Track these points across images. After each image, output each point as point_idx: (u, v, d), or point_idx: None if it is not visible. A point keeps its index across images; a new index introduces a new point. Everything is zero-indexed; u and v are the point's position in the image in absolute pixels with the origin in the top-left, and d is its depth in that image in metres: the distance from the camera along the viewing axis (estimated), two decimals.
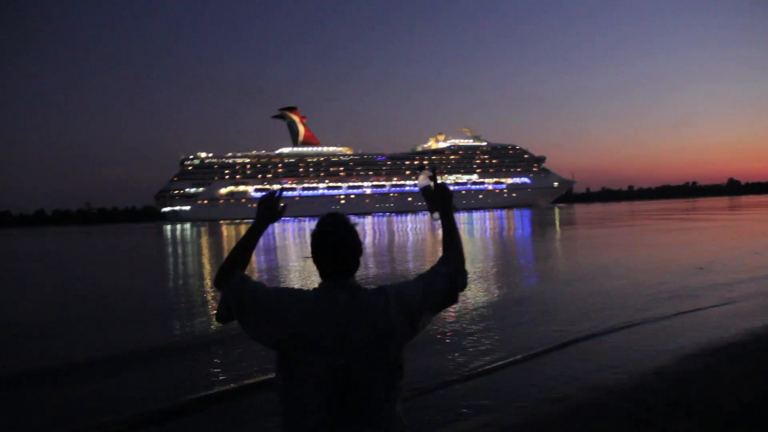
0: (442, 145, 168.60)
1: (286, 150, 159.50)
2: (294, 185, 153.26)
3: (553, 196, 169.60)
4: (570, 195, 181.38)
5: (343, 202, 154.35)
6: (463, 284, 2.30)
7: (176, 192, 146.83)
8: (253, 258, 25.09)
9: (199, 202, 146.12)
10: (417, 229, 51.51)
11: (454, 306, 10.63)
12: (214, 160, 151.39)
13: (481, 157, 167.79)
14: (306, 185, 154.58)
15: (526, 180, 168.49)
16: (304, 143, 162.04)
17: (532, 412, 6.14)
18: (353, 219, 2.20)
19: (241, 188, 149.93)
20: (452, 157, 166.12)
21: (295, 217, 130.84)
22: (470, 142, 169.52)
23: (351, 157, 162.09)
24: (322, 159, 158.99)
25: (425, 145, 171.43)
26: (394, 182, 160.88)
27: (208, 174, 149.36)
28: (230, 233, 62.88)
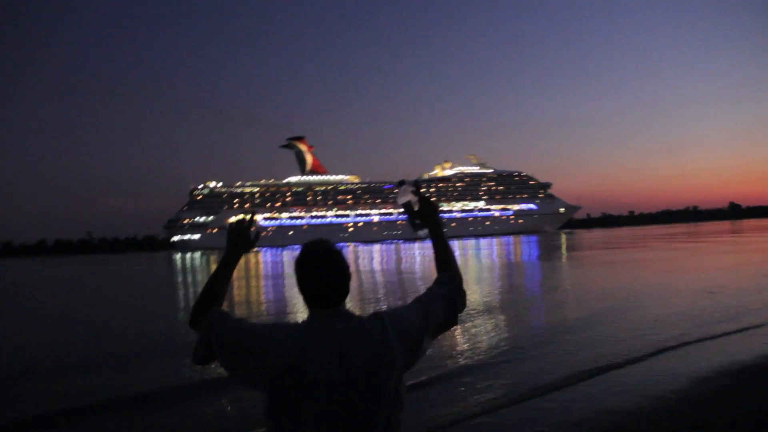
0: (448, 172, 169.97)
1: (294, 179, 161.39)
2: (302, 214, 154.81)
3: (559, 221, 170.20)
4: (570, 221, 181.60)
5: (351, 230, 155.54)
6: (462, 305, 2.23)
7: (186, 221, 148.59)
8: (260, 287, 26.30)
9: (209, 231, 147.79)
10: (425, 255, 52.59)
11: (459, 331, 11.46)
12: (224, 189, 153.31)
13: (487, 184, 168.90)
14: (314, 214, 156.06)
15: (532, 206, 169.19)
16: (312, 172, 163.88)
17: None
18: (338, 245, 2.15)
19: None
20: (458, 184, 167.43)
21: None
22: (476, 170, 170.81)
23: (358, 185, 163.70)
24: (329, 187, 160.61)
25: (431, 173, 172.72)
26: (401, 210, 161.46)
27: (217, 203, 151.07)
28: (240, 261, 63.52)
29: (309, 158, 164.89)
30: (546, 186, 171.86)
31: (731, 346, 10.15)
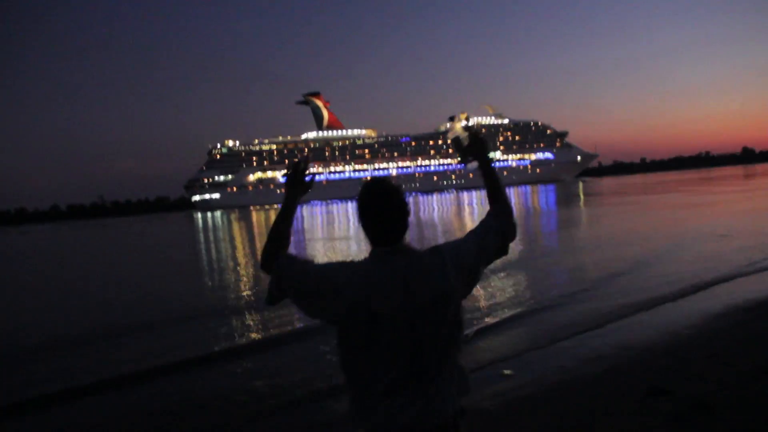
0: (464, 124, 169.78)
1: (311, 135, 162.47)
2: (321, 169, 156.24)
3: (576, 170, 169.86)
4: (585, 169, 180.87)
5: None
6: (512, 235, 2.31)
7: (206, 180, 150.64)
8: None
9: (229, 189, 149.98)
10: (443, 208, 53.65)
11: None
12: (242, 148, 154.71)
13: (504, 134, 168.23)
14: (332, 169, 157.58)
15: (549, 155, 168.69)
16: (329, 127, 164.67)
17: (572, 372, 6.56)
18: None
19: (270, 174, 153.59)
20: None
21: (323, 200, 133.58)
22: (493, 120, 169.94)
23: (375, 139, 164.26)
24: (347, 142, 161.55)
25: (448, 125, 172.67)
26: (419, 163, 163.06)
27: (236, 162, 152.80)
28: (260, 219, 65.22)
29: (325, 114, 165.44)
30: (563, 135, 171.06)
31: (744, 286, 10.57)
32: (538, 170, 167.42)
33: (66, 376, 8.54)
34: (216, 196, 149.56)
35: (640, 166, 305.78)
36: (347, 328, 2.04)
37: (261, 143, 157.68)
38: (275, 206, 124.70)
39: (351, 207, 70.19)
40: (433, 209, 50.91)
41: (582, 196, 59.95)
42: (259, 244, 28.59)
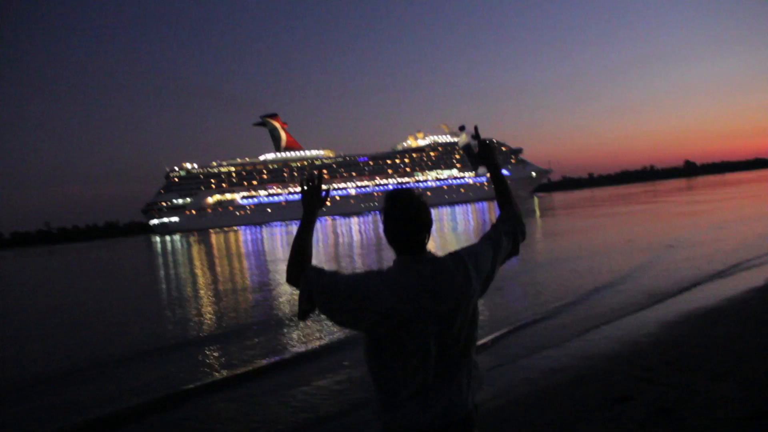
0: (421, 142, 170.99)
1: (269, 156, 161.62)
2: (280, 190, 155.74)
3: (531, 186, 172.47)
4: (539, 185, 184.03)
5: (328, 203, 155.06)
6: (523, 236, 2.46)
7: (164, 204, 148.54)
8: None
9: (188, 212, 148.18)
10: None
11: None
12: (200, 170, 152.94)
13: (460, 152, 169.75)
14: (291, 190, 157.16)
15: (505, 172, 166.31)
16: (287, 148, 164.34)
17: (538, 383, 6.72)
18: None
19: (228, 196, 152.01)
20: (432, 153, 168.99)
21: (282, 221, 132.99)
22: (449, 138, 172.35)
23: (334, 159, 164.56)
24: (305, 163, 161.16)
25: (405, 144, 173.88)
26: (377, 182, 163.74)
27: (194, 184, 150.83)
28: (219, 241, 64.29)
29: (283, 135, 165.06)
30: (517, 151, 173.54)
31: (695, 292, 11.05)
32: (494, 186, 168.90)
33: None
34: (175, 219, 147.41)
35: (588, 181, 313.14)
36: (378, 335, 2.11)
37: (219, 165, 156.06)
38: (234, 228, 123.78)
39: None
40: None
41: (537, 211, 60.80)
42: (230, 265, 28.54)
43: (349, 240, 39.53)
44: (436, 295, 2.11)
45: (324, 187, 2.46)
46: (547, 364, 7.42)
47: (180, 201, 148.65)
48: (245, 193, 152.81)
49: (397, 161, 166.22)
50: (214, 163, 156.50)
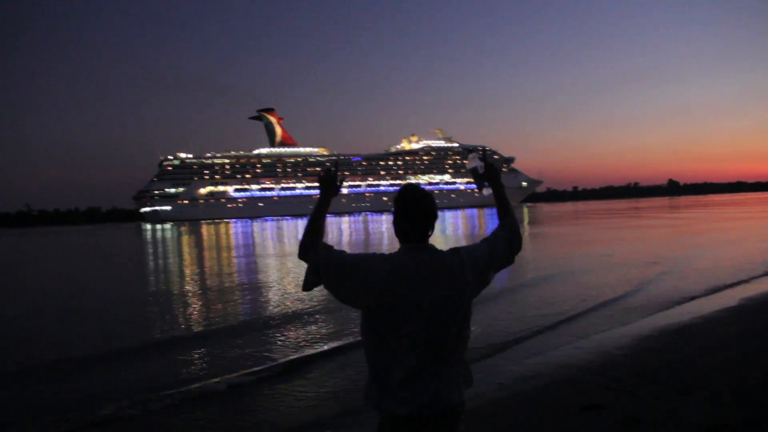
0: (415, 146, 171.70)
1: (264, 150, 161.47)
2: (272, 185, 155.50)
3: (521, 195, 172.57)
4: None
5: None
6: (518, 246, 2.57)
7: (156, 192, 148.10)
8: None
9: (180, 202, 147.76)
10: (390, 228, 52.84)
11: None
12: (194, 161, 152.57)
13: (453, 157, 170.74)
14: (284, 185, 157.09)
15: None
16: (282, 144, 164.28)
17: (511, 389, 6.83)
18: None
19: (221, 188, 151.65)
20: (425, 157, 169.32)
21: (274, 216, 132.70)
22: (442, 144, 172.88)
23: (327, 157, 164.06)
24: (299, 159, 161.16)
25: (399, 146, 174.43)
26: (369, 182, 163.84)
27: (187, 174, 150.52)
28: (210, 232, 64.22)
29: (278, 130, 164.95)
30: (509, 160, 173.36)
31: (676, 312, 11.15)
32: (485, 194, 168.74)
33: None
34: (167, 208, 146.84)
35: (572, 194, 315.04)
36: (374, 314, 2.28)
37: (213, 157, 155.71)
38: (225, 221, 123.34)
39: (302, 224, 68.88)
40: (381, 228, 51.15)
41: (526, 220, 60.87)
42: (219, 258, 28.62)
43: (338, 240, 39.60)
44: (431, 280, 2.27)
45: (339, 175, 2.75)
46: (520, 371, 7.58)
47: (173, 190, 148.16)
48: (238, 186, 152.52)
49: (391, 163, 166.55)
50: (209, 154, 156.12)
